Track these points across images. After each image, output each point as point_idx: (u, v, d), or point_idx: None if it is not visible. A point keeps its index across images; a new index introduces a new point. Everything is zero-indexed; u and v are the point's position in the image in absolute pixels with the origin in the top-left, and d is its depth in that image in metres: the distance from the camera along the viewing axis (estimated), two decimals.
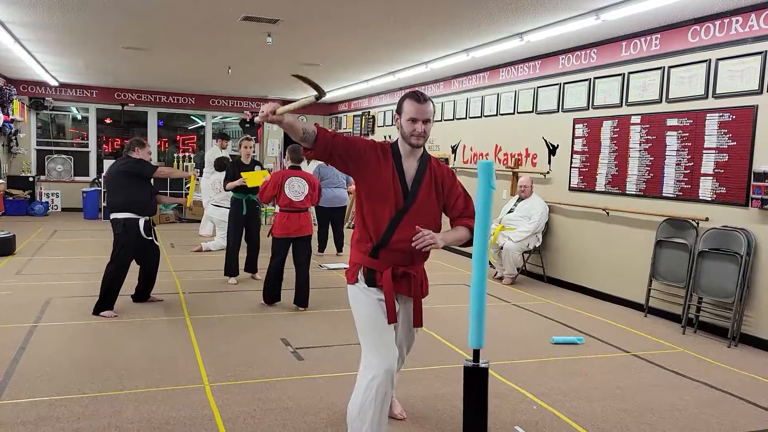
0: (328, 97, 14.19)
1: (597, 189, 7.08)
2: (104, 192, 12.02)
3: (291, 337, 5.12)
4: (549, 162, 7.87)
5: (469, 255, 2.87)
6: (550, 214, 7.78)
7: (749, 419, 3.77)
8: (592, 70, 7.17)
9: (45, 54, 9.78)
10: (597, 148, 7.07)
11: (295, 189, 6.05)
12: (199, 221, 11.34)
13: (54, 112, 14.53)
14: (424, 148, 3.02)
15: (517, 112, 8.54)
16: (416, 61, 9.13)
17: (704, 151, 5.79)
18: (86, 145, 14.79)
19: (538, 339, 5.34)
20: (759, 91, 5.29)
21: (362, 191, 2.97)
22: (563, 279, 7.63)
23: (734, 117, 5.51)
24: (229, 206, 7.46)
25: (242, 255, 7.38)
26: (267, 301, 6.16)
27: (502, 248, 7.63)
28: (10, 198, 12.99)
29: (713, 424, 3.67)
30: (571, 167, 7.49)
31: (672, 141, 6.12)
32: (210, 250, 9.24)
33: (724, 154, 5.59)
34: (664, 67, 6.22)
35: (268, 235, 6.27)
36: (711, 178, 5.72)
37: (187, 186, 13.58)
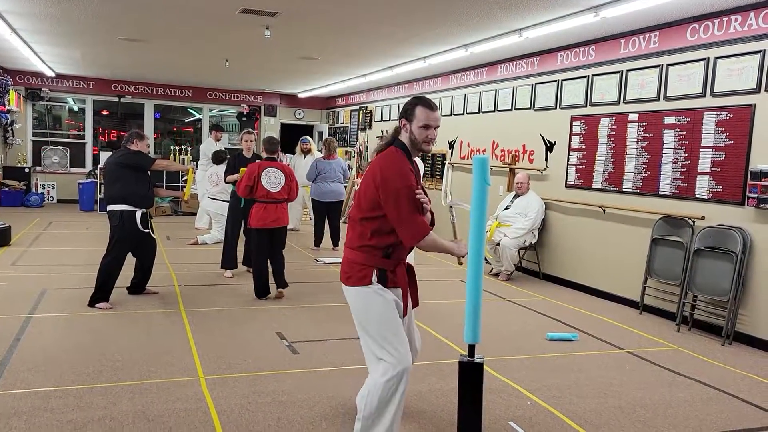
0: (325, 91, 14.19)
1: (594, 186, 7.09)
2: (101, 183, 12.02)
3: (286, 330, 5.12)
4: (546, 159, 7.88)
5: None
6: (547, 210, 7.78)
7: (743, 417, 3.79)
8: (590, 68, 7.17)
9: (41, 44, 9.73)
10: (594, 146, 7.07)
11: (272, 180, 6.08)
12: (195, 214, 11.34)
13: (50, 103, 14.47)
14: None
15: (515, 109, 8.54)
16: (414, 56, 9.12)
17: (701, 150, 5.80)
18: (82, 137, 14.74)
19: (533, 335, 5.35)
20: (757, 90, 5.30)
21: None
22: (559, 276, 7.64)
23: (732, 116, 5.51)
24: (228, 199, 7.46)
25: (240, 249, 7.40)
26: (259, 296, 6.16)
27: (498, 245, 7.64)
28: (6, 189, 12.95)
29: (706, 422, 3.68)
30: (568, 164, 7.50)
31: (669, 139, 6.13)
32: (206, 243, 9.23)
33: (721, 153, 5.60)
34: (662, 65, 6.22)
35: (247, 227, 6.25)
36: (708, 176, 5.73)
37: (184, 179, 13.56)
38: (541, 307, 6.40)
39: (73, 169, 14.30)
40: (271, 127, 15.92)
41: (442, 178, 10.24)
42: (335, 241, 9.39)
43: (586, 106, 7.23)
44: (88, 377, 3.91)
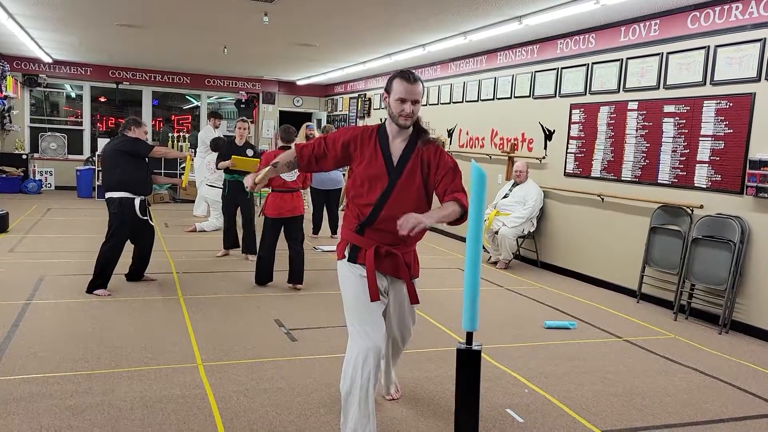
0: (324, 78, 14.13)
1: (592, 175, 7.08)
2: (99, 170, 12.00)
3: (284, 318, 5.13)
4: (545, 147, 7.87)
5: (463, 239, 2.86)
6: (545, 199, 7.78)
7: (739, 405, 3.81)
8: (590, 56, 7.14)
9: (39, 30, 9.67)
10: (593, 134, 7.06)
11: None
12: (193, 201, 11.33)
13: (48, 90, 14.40)
14: (425, 131, 2.99)
15: (514, 97, 8.52)
16: (413, 44, 9.07)
17: (700, 139, 5.78)
18: (80, 123, 14.69)
19: (531, 323, 5.36)
20: (757, 79, 5.28)
21: (352, 173, 3.01)
22: (557, 264, 7.65)
23: (731, 104, 5.50)
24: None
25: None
26: (259, 282, 6.16)
27: (496, 233, 7.64)
28: (4, 175, 12.92)
29: (703, 409, 3.70)
30: (567, 153, 7.49)
31: (668, 128, 6.12)
32: (204, 231, 9.23)
33: (721, 142, 5.59)
34: (662, 53, 6.20)
35: (260, 215, 6.24)
36: (707, 165, 5.73)
37: (182, 166, 13.54)
38: (539, 295, 6.41)
39: (70, 156, 14.26)
40: (269, 115, 15.87)
41: None
42: (333, 228, 9.39)
43: (585, 94, 7.21)
44: (87, 363, 3.92)
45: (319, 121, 16.17)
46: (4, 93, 12.23)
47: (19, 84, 13.54)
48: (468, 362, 2.68)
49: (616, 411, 3.61)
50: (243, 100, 15.66)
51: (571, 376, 4.13)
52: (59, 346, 4.21)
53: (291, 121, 14.89)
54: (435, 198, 3.03)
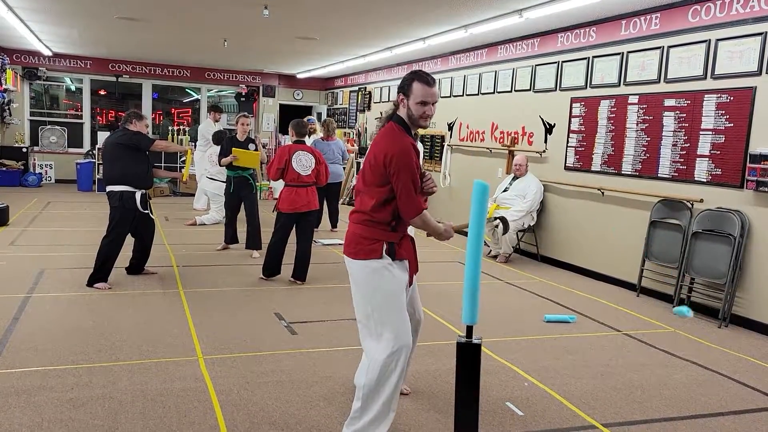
0: (324, 72, 14.11)
1: (593, 169, 7.07)
2: (99, 164, 11.99)
3: (284, 311, 5.13)
4: (545, 141, 7.86)
5: (464, 233, 2.86)
6: (546, 193, 7.78)
7: (738, 399, 3.82)
8: (590, 49, 7.13)
9: (38, 23, 9.65)
10: (594, 128, 7.05)
11: (303, 163, 6.03)
12: (194, 195, 11.32)
13: (48, 83, 14.38)
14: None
15: (515, 90, 8.50)
16: (414, 37, 9.05)
17: (701, 132, 5.78)
18: (80, 117, 14.67)
19: (531, 317, 5.37)
20: (758, 73, 5.27)
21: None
22: (557, 258, 7.66)
23: (732, 98, 5.49)
24: (225, 181, 7.48)
25: (242, 234, 7.46)
26: (267, 275, 6.14)
27: (496, 227, 7.63)
28: (4, 168, 12.91)
29: (702, 403, 3.71)
30: (567, 146, 7.48)
31: (669, 122, 6.11)
32: (204, 224, 9.23)
33: (721, 136, 5.59)
34: (663, 47, 6.18)
35: (273, 211, 6.21)
36: (707, 159, 5.72)
37: (183, 160, 13.52)
38: (539, 289, 6.42)
39: (70, 149, 14.24)
40: (269, 108, 15.85)
41: (441, 160, 10.21)
42: (334, 222, 9.39)
43: (586, 88, 7.20)
44: (87, 357, 3.93)
45: (319, 115, 16.15)
46: (3, 86, 12.21)
47: (18, 77, 13.52)
48: (468, 355, 2.69)
49: (615, 404, 3.62)
50: (243, 94, 15.64)
51: (571, 369, 4.14)
52: (60, 339, 4.22)
53: (291, 114, 14.90)
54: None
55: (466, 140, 9.64)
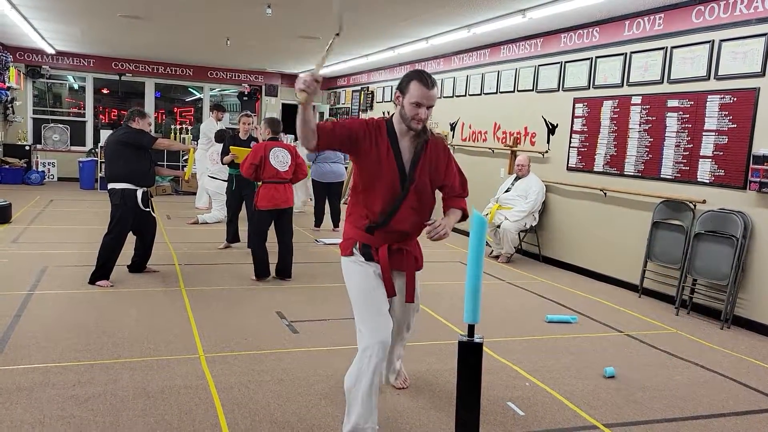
0: (327, 71, 14.11)
1: (595, 169, 7.07)
2: (102, 162, 12.00)
3: (286, 310, 5.13)
4: (548, 141, 7.85)
5: (466, 233, 2.87)
6: (548, 193, 7.77)
7: (739, 399, 3.81)
8: (593, 49, 7.12)
9: (41, 20, 9.66)
10: (596, 128, 7.04)
11: (280, 159, 6.04)
12: (196, 193, 11.34)
13: (51, 81, 14.40)
14: (428, 130, 2.99)
15: (517, 91, 8.49)
16: (416, 37, 9.05)
17: (704, 133, 5.77)
18: (83, 115, 14.68)
19: (533, 317, 5.36)
20: (761, 74, 5.26)
21: (358, 169, 2.97)
22: (559, 258, 7.65)
23: (735, 99, 5.48)
24: (226, 179, 7.49)
25: (243, 230, 7.46)
26: (262, 276, 6.14)
27: (498, 227, 7.63)
28: (6, 166, 12.93)
29: (703, 404, 3.70)
30: (569, 147, 7.47)
31: (672, 122, 6.10)
32: (206, 223, 9.23)
33: (724, 137, 5.58)
34: (666, 48, 6.17)
35: (256, 210, 6.18)
36: (710, 160, 5.71)
37: (185, 159, 13.53)
38: (541, 289, 6.42)
39: (73, 147, 14.26)
40: (272, 107, 15.86)
41: None
42: (335, 222, 9.39)
43: (589, 88, 7.19)
44: (89, 354, 3.93)
45: (321, 114, 16.14)
46: (7, 84, 12.23)
47: (22, 75, 13.54)
48: (469, 355, 2.68)
49: (616, 405, 3.61)
50: (246, 93, 15.64)
51: (572, 369, 4.14)
52: (62, 336, 4.22)
53: (294, 113, 14.92)
54: None
55: (469, 140, 9.64)
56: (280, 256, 6.13)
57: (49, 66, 13.87)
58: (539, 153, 7.92)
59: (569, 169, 7.49)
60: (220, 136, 9.27)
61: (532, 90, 8.17)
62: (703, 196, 5.76)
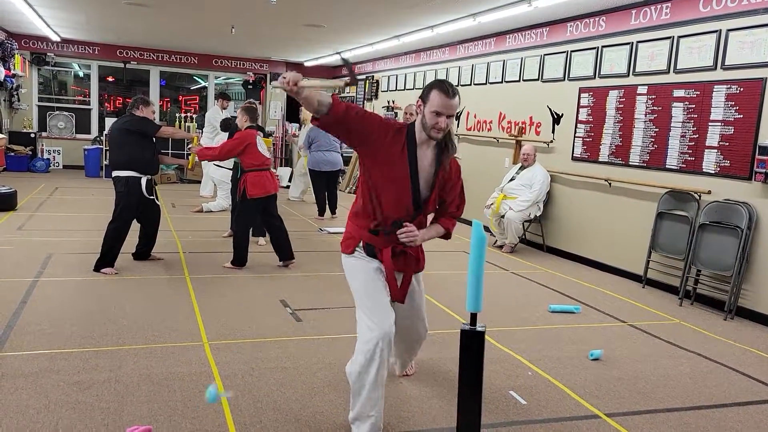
0: (331, 60, 14.07)
1: (600, 159, 7.04)
2: (107, 150, 12.02)
3: (290, 298, 5.15)
4: (553, 131, 7.82)
5: (469, 222, 2.86)
6: (552, 183, 7.75)
7: (742, 390, 3.81)
8: (599, 39, 7.08)
9: (46, 8, 9.65)
10: (602, 118, 7.01)
11: (263, 147, 6.17)
12: (200, 182, 11.35)
13: (56, 68, 14.40)
14: (452, 145, 2.97)
15: (523, 80, 8.46)
16: (422, 26, 9.01)
17: (710, 124, 5.74)
18: (88, 103, 14.69)
19: (536, 307, 5.37)
20: None
21: (369, 168, 2.92)
22: (563, 249, 7.64)
23: (742, 89, 5.45)
24: (231, 168, 7.48)
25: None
26: (242, 265, 6.08)
27: (503, 217, 7.62)
28: (12, 154, 12.96)
29: (706, 394, 3.71)
30: (575, 137, 7.45)
31: (678, 112, 6.07)
32: (211, 211, 9.25)
33: (730, 127, 5.55)
34: (673, 37, 6.13)
35: (245, 199, 6.02)
36: (715, 150, 5.69)
37: (189, 147, 13.53)
38: (544, 279, 6.42)
39: (78, 135, 14.27)
40: (276, 96, 15.83)
41: None
42: (333, 209, 9.43)
43: (594, 78, 7.16)
44: (94, 340, 3.96)
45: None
46: (12, 71, 12.23)
47: (27, 62, 13.54)
48: (472, 343, 2.69)
49: (619, 394, 3.62)
50: (250, 81, 15.61)
51: (575, 359, 4.14)
52: (66, 323, 4.24)
53: (298, 102, 14.88)
54: None
55: (473, 130, 9.61)
56: (278, 240, 6.15)
57: (54, 54, 13.86)
58: (544, 143, 7.89)
59: (574, 159, 7.46)
60: (225, 124, 9.26)
61: (538, 79, 8.13)
62: (708, 187, 5.74)
